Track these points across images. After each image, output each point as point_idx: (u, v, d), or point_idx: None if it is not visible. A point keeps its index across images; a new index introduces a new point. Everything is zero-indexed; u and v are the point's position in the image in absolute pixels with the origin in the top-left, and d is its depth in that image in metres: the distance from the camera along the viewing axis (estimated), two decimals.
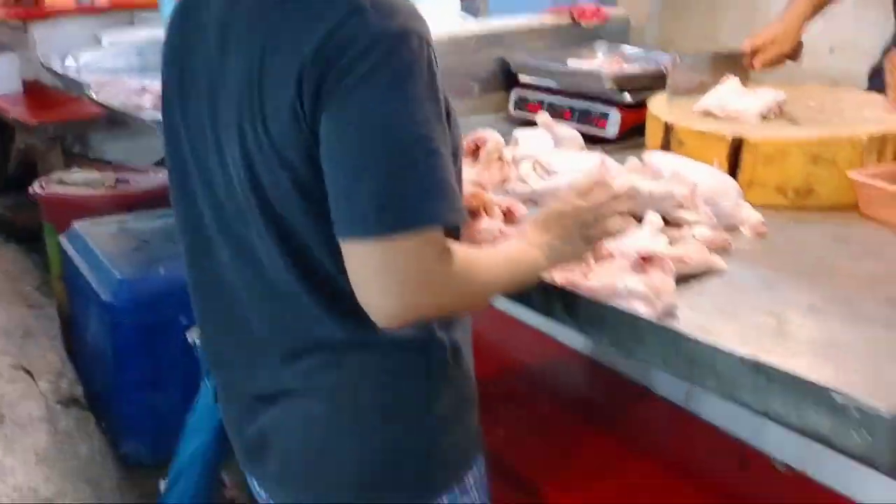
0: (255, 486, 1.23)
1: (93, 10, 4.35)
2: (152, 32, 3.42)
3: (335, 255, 0.96)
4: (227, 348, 1.14)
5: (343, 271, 0.95)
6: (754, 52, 1.84)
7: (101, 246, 2.58)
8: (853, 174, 1.43)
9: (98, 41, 3.50)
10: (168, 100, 1.11)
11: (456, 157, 1.00)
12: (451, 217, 0.93)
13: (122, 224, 2.78)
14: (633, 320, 1.03)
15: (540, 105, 2.02)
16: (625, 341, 1.05)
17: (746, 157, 1.48)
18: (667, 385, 1.49)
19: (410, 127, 0.90)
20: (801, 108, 1.67)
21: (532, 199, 1.49)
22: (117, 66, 3.16)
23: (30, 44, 4.35)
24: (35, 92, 4.49)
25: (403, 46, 0.90)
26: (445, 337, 1.08)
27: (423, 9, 2.63)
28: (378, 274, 0.91)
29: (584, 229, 1.09)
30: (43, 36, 4.28)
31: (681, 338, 0.97)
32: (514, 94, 2.12)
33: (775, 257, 1.27)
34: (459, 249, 0.97)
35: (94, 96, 2.54)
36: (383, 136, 0.89)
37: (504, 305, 1.66)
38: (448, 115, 0.98)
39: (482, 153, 1.61)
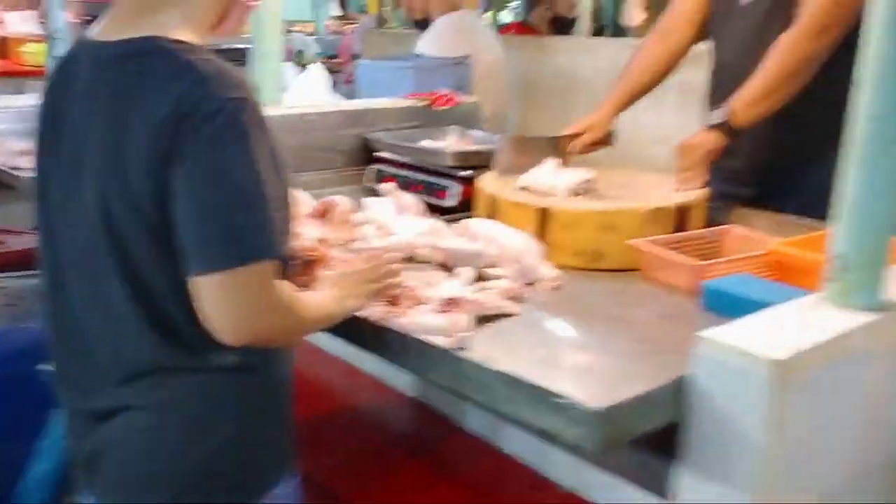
0: (86, 497, 1.36)
1: None
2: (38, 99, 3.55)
3: (175, 291, 1.15)
4: (74, 373, 1.29)
5: (180, 305, 1.14)
6: (572, 138, 2.15)
7: None
8: (633, 242, 1.71)
9: None
10: (39, 149, 1.29)
11: (285, 202, 1.21)
12: (279, 250, 1.16)
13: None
14: (429, 349, 1.25)
15: (394, 178, 2.26)
16: (422, 367, 1.27)
17: (550, 225, 1.74)
18: (477, 421, 1.71)
19: (249, 180, 1.12)
20: (608, 186, 1.96)
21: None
22: (4, 130, 3.25)
23: None
24: None
25: (243, 111, 1.12)
26: (263, 367, 1.27)
27: (299, 87, 2.92)
28: (224, 301, 1.11)
29: (366, 285, 1.37)
30: None
31: (462, 361, 1.20)
32: (373, 168, 2.37)
33: (563, 306, 1.53)
34: (285, 284, 1.18)
35: None
36: (227, 187, 1.11)
37: (329, 344, 1.85)
38: (279, 167, 1.20)
39: (332, 215, 1.83)
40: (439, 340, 1.29)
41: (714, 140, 1.93)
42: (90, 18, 4.95)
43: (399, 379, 1.84)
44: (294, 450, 1.32)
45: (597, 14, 5.05)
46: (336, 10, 9.57)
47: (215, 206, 1.11)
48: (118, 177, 1.14)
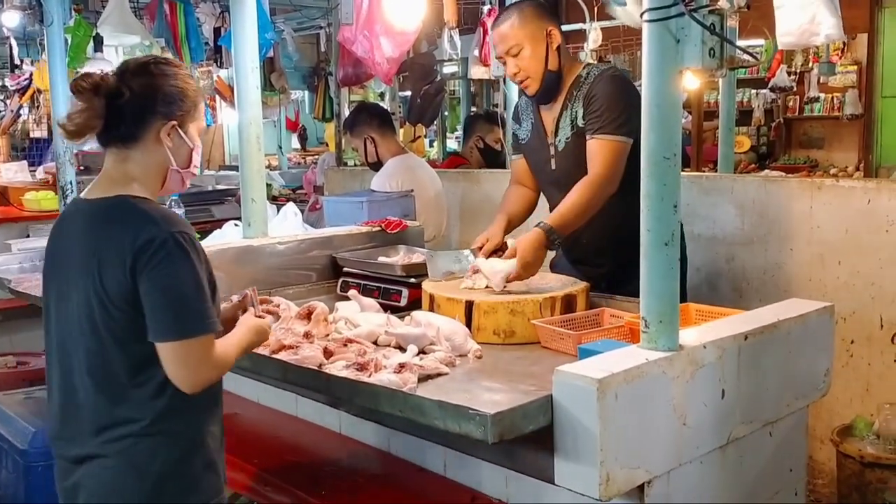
0: None
1: None
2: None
3: (128, 372, 1.79)
4: (63, 428, 1.89)
5: (132, 385, 1.80)
6: (478, 249, 2.85)
7: (13, 410, 3.20)
8: (535, 322, 2.39)
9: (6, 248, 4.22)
10: (45, 275, 1.95)
11: (214, 293, 1.88)
12: (212, 326, 1.81)
13: (28, 395, 3.41)
14: (388, 391, 1.90)
15: (358, 287, 2.93)
16: (382, 405, 1.92)
17: (474, 313, 2.42)
18: (435, 462, 2.32)
19: (190, 283, 1.77)
20: (516, 285, 2.65)
21: (344, 343, 2.36)
22: (24, 266, 3.88)
23: None
24: None
25: (182, 241, 1.78)
26: (184, 429, 1.85)
27: (280, 222, 3.69)
28: (178, 361, 1.77)
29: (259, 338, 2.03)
30: None
31: (409, 396, 1.85)
32: (340, 280, 3.04)
33: (483, 368, 2.19)
34: (216, 343, 1.83)
35: (16, 289, 3.26)
36: (177, 289, 1.76)
37: (301, 410, 2.46)
38: (210, 272, 1.86)
39: (314, 315, 2.49)
40: (394, 387, 1.94)
41: (544, 241, 2.66)
42: (83, 168, 5.63)
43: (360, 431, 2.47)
44: (219, 485, 1.92)
45: None
46: (296, 143, 10.49)
47: (168, 301, 1.76)
48: (101, 289, 1.77)
